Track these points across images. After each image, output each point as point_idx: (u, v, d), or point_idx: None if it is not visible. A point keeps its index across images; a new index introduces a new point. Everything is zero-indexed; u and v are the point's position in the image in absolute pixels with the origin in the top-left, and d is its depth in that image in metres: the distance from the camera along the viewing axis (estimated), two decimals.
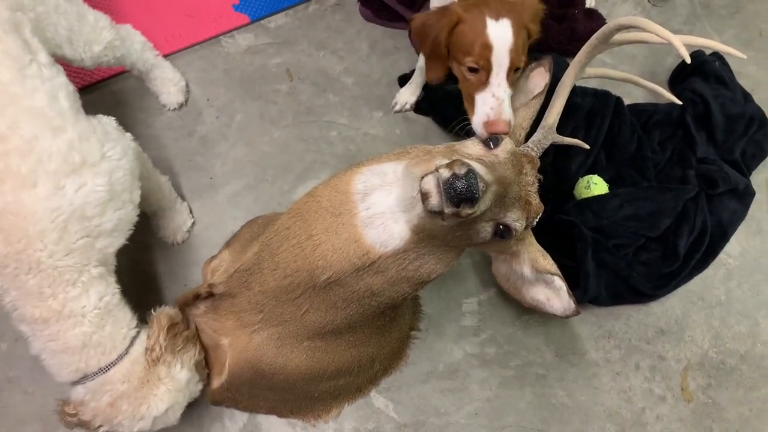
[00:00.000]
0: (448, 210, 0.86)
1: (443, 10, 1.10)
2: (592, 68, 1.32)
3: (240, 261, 1.28)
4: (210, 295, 1.34)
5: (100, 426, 1.16)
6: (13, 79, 1.07)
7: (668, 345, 1.62)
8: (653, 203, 1.63)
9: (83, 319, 1.13)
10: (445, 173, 0.85)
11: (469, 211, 0.86)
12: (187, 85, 1.85)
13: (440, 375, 1.57)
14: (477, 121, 1.06)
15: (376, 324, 1.31)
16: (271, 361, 1.29)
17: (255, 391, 1.40)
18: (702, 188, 1.67)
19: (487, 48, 1.03)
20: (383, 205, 1.04)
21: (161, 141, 1.78)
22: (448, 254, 1.09)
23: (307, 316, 1.19)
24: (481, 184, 0.85)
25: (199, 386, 1.31)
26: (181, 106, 1.82)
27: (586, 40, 1.21)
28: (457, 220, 0.89)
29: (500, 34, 1.02)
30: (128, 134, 1.30)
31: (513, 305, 1.63)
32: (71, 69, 1.59)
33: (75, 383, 1.17)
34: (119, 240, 1.22)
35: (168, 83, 1.78)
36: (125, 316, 1.22)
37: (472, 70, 1.06)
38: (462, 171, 0.84)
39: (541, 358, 1.59)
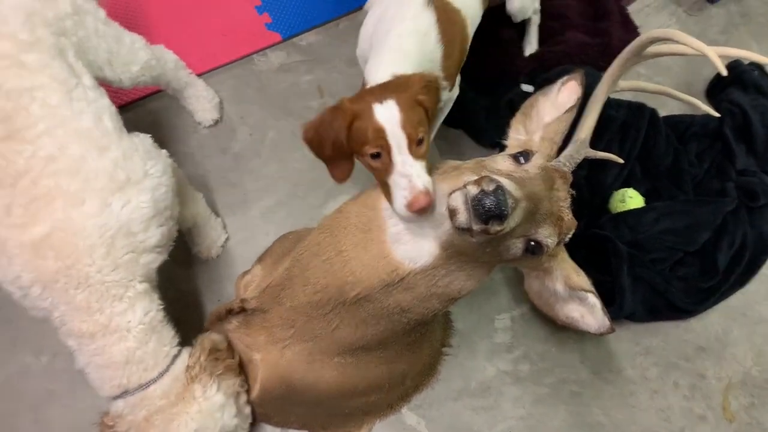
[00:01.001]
0: (476, 227, 0.85)
1: (334, 110, 1.09)
2: (625, 81, 1.30)
3: (272, 276, 1.29)
4: (242, 310, 1.36)
5: None
6: (62, 102, 1.11)
7: (708, 362, 1.57)
8: (690, 216, 1.59)
9: (128, 335, 1.15)
10: (473, 190, 0.84)
11: (498, 228, 0.85)
12: (220, 103, 1.88)
13: (472, 392, 1.55)
14: (398, 208, 1.02)
15: (407, 340, 1.30)
16: (302, 377, 1.29)
17: (286, 406, 1.41)
18: (742, 201, 1.63)
19: (380, 131, 1.02)
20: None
21: (196, 158, 1.82)
22: (479, 270, 1.08)
23: (337, 332, 1.19)
24: (510, 201, 0.84)
25: (235, 420, 1.27)
26: (216, 122, 1.85)
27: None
28: (486, 237, 0.89)
29: (387, 114, 1.02)
30: (164, 151, 1.33)
31: (547, 321, 1.60)
32: (109, 89, 1.64)
33: (116, 398, 1.19)
34: (162, 256, 1.25)
35: (202, 100, 1.80)
36: (168, 334, 1.24)
37: (374, 156, 1.05)
38: (490, 188, 0.83)
39: (576, 375, 1.56)
